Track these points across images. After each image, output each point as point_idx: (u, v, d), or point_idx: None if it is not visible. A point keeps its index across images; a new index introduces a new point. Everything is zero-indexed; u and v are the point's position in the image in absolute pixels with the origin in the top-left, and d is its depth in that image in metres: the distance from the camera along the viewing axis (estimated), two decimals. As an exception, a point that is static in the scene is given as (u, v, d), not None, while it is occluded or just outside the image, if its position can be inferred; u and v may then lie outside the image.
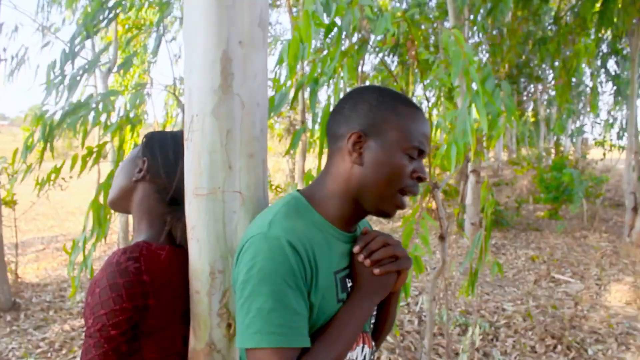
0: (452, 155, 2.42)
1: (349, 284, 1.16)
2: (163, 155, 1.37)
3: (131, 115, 3.40)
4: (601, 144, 12.92)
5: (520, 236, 8.53)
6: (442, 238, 3.22)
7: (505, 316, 4.75)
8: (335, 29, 2.51)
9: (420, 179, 1.15)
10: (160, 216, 1.34)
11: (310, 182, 1.23)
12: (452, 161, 2.44)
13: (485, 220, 3.44)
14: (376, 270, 1.13)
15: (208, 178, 1.21)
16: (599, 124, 14.61)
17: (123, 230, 7.19)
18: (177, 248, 1.30)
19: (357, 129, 1.13)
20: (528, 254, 7.28)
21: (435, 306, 3.69)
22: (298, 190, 1.20)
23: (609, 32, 7.49)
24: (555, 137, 18.19)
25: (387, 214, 1.16)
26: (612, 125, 14.17)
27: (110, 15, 3.89)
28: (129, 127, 3.47)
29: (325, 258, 1.09)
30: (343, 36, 2.72)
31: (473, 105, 2.41)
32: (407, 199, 1.18)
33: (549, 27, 8.32)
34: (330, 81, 2.73)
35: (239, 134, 1.22)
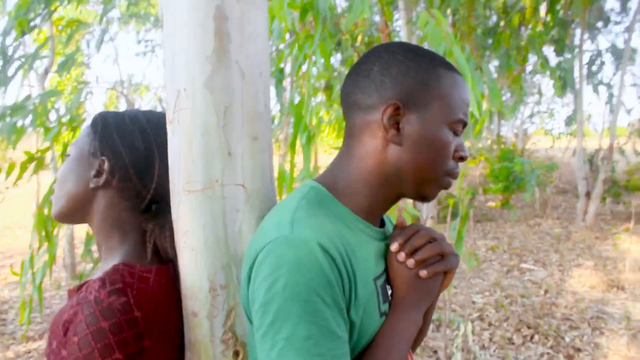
0: None
1: (389, 291, 0.93)
2: (129, 148, 1.07)
3: (71, 116, 3.08)
4: (549, 132, 13.17)
5: (476, 227, 8.52)
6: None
7: (476, 309, 4.64)
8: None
9: (462, 159, 0.94)
10: (136, 228, 1.06)
11: (326, 169, 0.98)
12: None
13: (461, 210, 3.31)
14: (423, 273, 0.90)
15: (203, 169, 0.96)
16: (545, 113, 14.92)
17: (69, 243, 6.58)
18: (165, 266, 1.04)
19: (395, 99, 0.89)
20: (487, 244, 7.25)
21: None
22: (314, 179, 0.95)
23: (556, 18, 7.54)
24: (497, 128, 18.49)
25: (428, 199, 0.94)
26: (551, 114, 14.51)
27: (45, 12, 3.52)
28: (70, 130, 3.15)
29: (362, 262, 0.86)
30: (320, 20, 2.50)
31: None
32: (451, 180, 0.95)
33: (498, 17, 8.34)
34: (302, 68, 2.50)
35: (240, 111, 0.97)
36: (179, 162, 0.98)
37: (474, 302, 4.84)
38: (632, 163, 9.48)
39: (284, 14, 1.89)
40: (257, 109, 0.99)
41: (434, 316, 4.41)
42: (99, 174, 1.06)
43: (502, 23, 7.15)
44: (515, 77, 6.43)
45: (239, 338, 0.99)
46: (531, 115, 15.86)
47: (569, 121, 12.17)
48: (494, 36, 6.90)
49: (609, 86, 11.73)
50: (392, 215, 2.51)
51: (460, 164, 1.04)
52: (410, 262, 0.90)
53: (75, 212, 1.08)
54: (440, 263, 0.92)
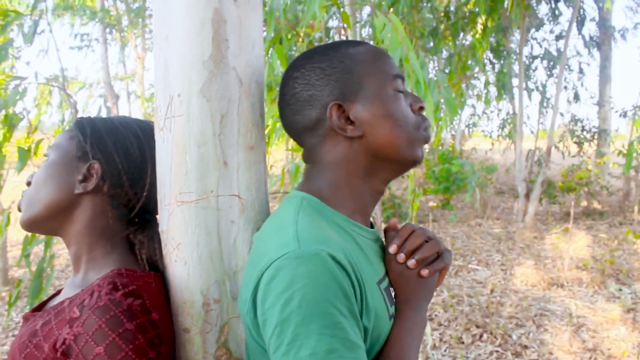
0: None
1: (393, 294, 0.93)
2: (123, 153, 1.01)
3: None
4: (486, 135, 13.57)
5: (419, 227, 8.66)
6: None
7: (425, 309, 4.72)
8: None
9: (422, 108, 0.96)
10: (124, 238, 1.00)
11: (303, 179, 0.96)
12: None
13: (412, 212, 3.35)
14: (425, 272, 0.91)
15: (197, 179, 0.92)
16: (487, 115, 15.37)
17: (0, 246, 6.15)
18: (159, 273, 0.99)
19: (331, 101, 0.90)
20: (431, 244, 7.38)
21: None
22: (297, 189, 0.93)
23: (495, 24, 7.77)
24: (436, 131, 18.84)
25: (419, 159, 0.95)
26: (487, 118, 14.96)
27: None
28: (6, 129, 2.99)
29: (366, 267, 0.86)
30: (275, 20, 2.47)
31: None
32: (428, 132, 0.97)
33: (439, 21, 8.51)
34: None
35: (237, 120, 0.93)
36: (171, 172, 0.93)
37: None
38: (566, 165, 9.88)
39: None
40: (253, 118, 0.96)
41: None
42: (86, 178, 0.99)
43: (442, 27, 7.31)
44: (456, 83, 6.58)
45: (233, 354, 0.96)
46: (473, 115, 16.31)
47: (504, 124, 12.62)
48: (436, 39, 7.04)
49: (542, 91, 12.24)
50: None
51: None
52: (412, 262, 0.90)
53: (51, 220, 1.00)
54: (439, 260, 0.94)
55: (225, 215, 0.93)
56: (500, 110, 13.69)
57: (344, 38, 2.80)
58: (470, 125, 16.84)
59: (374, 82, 0.91)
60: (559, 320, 4.43)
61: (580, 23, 10.79)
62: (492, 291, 5.19)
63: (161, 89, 0.94)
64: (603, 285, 5.34)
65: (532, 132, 12.13)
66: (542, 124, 12.70)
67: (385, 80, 0.92)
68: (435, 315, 4.55)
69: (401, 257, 0.91)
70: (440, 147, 13.86)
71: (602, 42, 11.76)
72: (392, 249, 0.92)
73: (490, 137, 13.66)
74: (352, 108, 0.90)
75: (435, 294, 5.13)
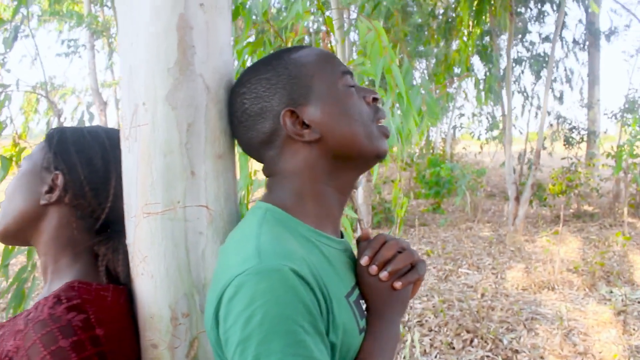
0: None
1: (364, 306, 0.90)
2: (86, 163, 0.99)
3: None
4: (474, 137, 13.60)
5: (410, 232, 8.64)
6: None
7: (416, 314, 4.69)
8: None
9: (376, 99, 0.94)
10: (88, 249, 0.98)
11: (267, 191, 0.93)
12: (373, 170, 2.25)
13: (397, 218, 3.33)
14: (398, 284, 0.88)
15: (163, 190, 0.89)
16: (476, 117, 15.41)
17: None
18: (125, 287, 0.96)
19: (283, 109, 0.87)
20: (422, 249, 7.36)
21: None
22: (262, 201, 0.90)
23: (482, 28, 7.79)
24: (426, 134, 18.91)
25: (382, 153, 0.92)
26: (478, 122, 14.99)
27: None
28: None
29: (333, 280, 0.82)
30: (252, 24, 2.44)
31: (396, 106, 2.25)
32: (385, 126, 0.95)
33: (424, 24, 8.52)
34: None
35: (204, 129, 0.91)
36: (137, 182, 0.90)
37: (411, 308, 4.89)
38: (556, 167, 9.90)
39: None
40: (221, 126, 0.93)
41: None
42: (51, 189, 0.98)
43: (428, 29, 7.34)
44: (442, 86, 6.59)
45: (203, 370, 0.93)
46: (461, 116, 16.36)
47: (491, 127, 12.65)
48: (425, 42, 7.06)
49: (526, 94, 12.27)
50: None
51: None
52: (384, 274, 0.87)
53: (22, 231, 1.00)
54: (412, 272, 0.91)
55: (192, 227, 0.90)
56: (487, 112, 13.74)
57: (326, 44, 2.79)
58: (459, 127, 16.87)
59: (323, 81, 0.89)
60: (550, 323, 4.41)
61: (564, 26, 10.84)
62: (482, 295, 5.17)
63: (126, 98, 0.91)
64: (594, 287, 5.34)
65: (520, 132, 12.18)
66: (531, 127, 12.75)
67: (333, 78, 0.90)
68: (426, 321, 4.52)
69: (373, 269, 0.88)
70: (431, 151, 13.90)
71: (590, 44, 11.82)
72: (364, 260, 0.89)
73: (479, 139, 13.68)
74: (305, 111, 0.87)
75: (425, 299, 5.12)
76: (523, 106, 12.48)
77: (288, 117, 0.87)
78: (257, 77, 0.90)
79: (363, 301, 0.90)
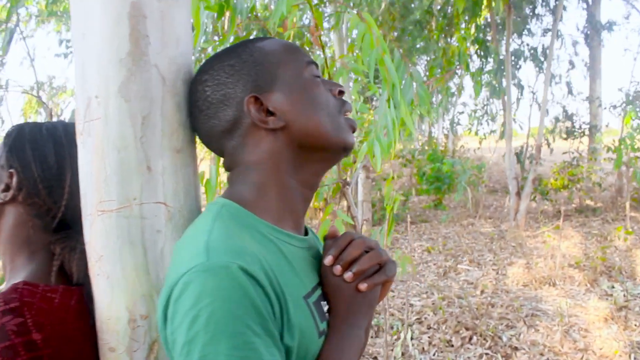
0: (376, 153, 2.19)
1: (325, 308, 0.85)
2: (40, 161, 0.96)
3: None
4: (474, 133, 13.56)
5: (411, 228, 8.60)
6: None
7: (415, 312, 4.65)
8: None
9: (341, 92, 0.91)
10: (45, 247, 0.95)
11: (228, 185, 0.89)
12: (377, 160, 2.21)
13: (388, 216, 3.28)
14: (363, 286, 0.83)
15: (118, 186, 0.85)
16: (475, 112, 15.35)
17: None
18: (75, 288, 0.92)
19: (247, 95, 0.84)
20: (423, 245, 7.32)
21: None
22: (221, 197, 0.86)
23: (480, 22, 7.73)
24: (428, 130, 18.86)
25: (348, 145, 0.88)
26: (479, 119, 14.92)
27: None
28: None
29: (291, 278, 0.78)
30: (238, 20, 2.40)
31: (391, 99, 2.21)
32: (352, 119, 0.91)
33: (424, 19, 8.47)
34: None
35: (160, 121, 0.87)
36: (91, 179, 0.87)
37: (412, 305, 4.85)
38: (558, 162, 9.84)
39: (197, 21, 1.76)
40: (179, 119, 0.89)
41: (373, 321, 4.39)
42: (6, 188, 0.96)
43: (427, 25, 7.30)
44: (440, 79, 6.53)
45: (163, 373, 0.89)
46: (460, 112, 16.33)
47: (487, 121, 12.61)
48: (423, 37, 7.01)
49: (520, 86, 12.18)
50: (324, 223, 2.44)
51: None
52: (348, 275, 0.83)
53: None
54: (380, 273, 0.86)
55: (150, 225, 0.86)
56: (485, 105, 13.68)
57: (315, 38, 2.74)
58: (456, 123, 16.83)
59: (289, 69, 0.86)
60: (550, 320, 4.36)
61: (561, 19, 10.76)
62: (482, 292, 5.13)
63: (80, 91, 0.88)
64: (595, 283, 5.29)
65: (521, 127, 12.12)
66: (532, 121, 12.69)
67: (299, 67, 0.87)
68: (425, 318, 4.48)
69: (337, 269, 0.83)
70: (433, 147, 13.83)
71: (591, 37, 11.74)
72: (328, 260, 0.84)
73: (477, 134, 13.61)
74: (270, 98, 0.84)
75: (425, 296, 5.07)
76: (518, 99, 12.42)
77: (252, 104, 0.83)
78: (220, 64, 0.86)
79: (325, 302, 0.85)
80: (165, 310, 0.70)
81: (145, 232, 0.86)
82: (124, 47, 0.83)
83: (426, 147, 13.29)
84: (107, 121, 0.84)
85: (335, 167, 3.09)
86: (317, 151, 0.86)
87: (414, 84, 2.39)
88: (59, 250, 0.94)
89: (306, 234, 0.93)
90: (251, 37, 0.93)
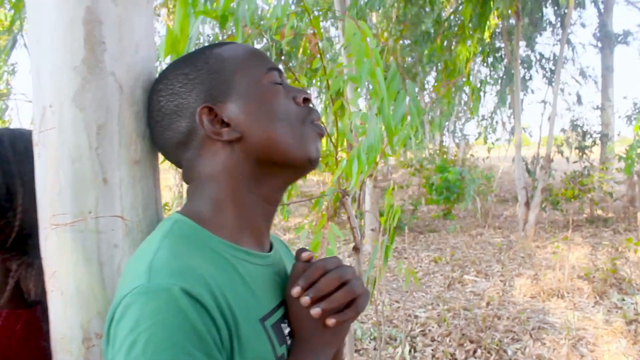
0: (353, 171, 2.14)
1: (287, 330, 0.80)
2: None
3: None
4: (484, 142, 13.46)
5: (419, 238, 8.53)
6: (356, 249, 2.94)
7: (419, 324, 4.58)
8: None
9: (306, 100, 0.85)
10: (1, 266, 0.91)
11: (186, 200, 0.85)
12: (353, 177, 2.15)
13: (388, 227, 3.22)
14: (331, 322, 0.76)
15: (72, 199, 0.81)
16: (485, 120, 15.29)
17: None
18: (23, 311, 0.88)
19: (200, 106, 0.79)
20: (430, 255, 7.24)
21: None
22: (178, 212, 0.82)
23: (486, 34, 7.67)
24: (439, 139, 18.77)
25: (313, 156, 0.82)
26: (486, 128, 14.84)
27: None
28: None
29: (246, 301, 0.73)
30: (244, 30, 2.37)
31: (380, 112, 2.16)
32: (319, 125, 0.86)
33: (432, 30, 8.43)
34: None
35: (117, 131, 0.83)
36: (45, 191, 0.83)
37: (416, 317, 4.78)
38: (569, 171, 9.73)
39: (186, 29, 1.70)
40: (138, 129, 0.85)
41: (375, 333, 4.32)
42: None
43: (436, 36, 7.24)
44: (446, 92, 6.47)
45: (120, 395, 0.85)
46: (466, 121, 16.27)
47: (493, 129, 12.51)
48: (429, 48, 6.96)
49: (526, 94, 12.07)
50: (317, 235, 2.39)
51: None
52: (315, 312, 0.76)
53: None
54: (350, 309, 0.78)
55: (106, 239, 0.83)
56: (491, 114, 13.60)
57: (313, 45, 2.71)
58: (460, 134, 16.76)
59: (246, 77, 0.81)
60: (557, 333, 4.28)
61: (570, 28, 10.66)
62: (488, 304, 5.04)
63: (35, 100, 0.84)
64: (605, 295, 5.18)
65: (530, 135, 12.02)
66: (543, 131, 12.59)
67: (258, 74, 0.82)
68: (429, 330, 4.41)
69: (305, 300, 0.77)
70: (444, 157, 13.74)
71: (603, 46, 11.63)
72: (295, 291, 0.77)
73: (486, 142, 13.51)
74: (225, 108, 0.79)
75: (430, 307, 5.00)
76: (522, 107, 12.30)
77: (205, 115, 0.79)
78: (174, 73, 0.82)
79: (285, 324, 0.80)
80: (108, 333, 0.67)
81: (101, 247, 0.82)
82: (78, 54, 0.80)
83: (436, 156, 13.19)
84: (61, 131, 0.81)
85: (332, 176, 3.05)
86: (277, 164, 0.81)
87: (407, 98, 2.34)
88: (15, 267, 0.91)
89: (270, 249, 0.88)
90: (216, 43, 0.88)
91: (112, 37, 0.82)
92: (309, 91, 0.88)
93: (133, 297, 0.63)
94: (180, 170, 0.86)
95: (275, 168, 0.81)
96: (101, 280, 0.83)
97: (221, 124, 0.79)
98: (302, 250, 0.83)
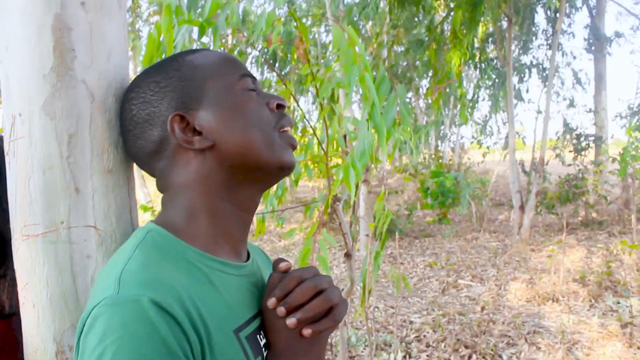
0: (350, 179, 2.13)
1: (263, 342, 0.78)
2: None
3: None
4: (479, 146, 13.49)
5: (414, 243, 8.51)
6: (348, 256, 2.92)
7: (414, 329, 4.56)
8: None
9: (280, 105, 0.85)
10: None
11: (161, 209, 0.83)
12: (351, 186, 2.14)
13: (379, 233, 3.20)
14: (307, 332, 0.75)
15: (43, 209, 0.80)
16: (479, 124, 15.32)
17: None
18: (4, 321, 0.87)
19: (170, 114, 0.78)
20: (425, 260, 7.22)
21: (345, 329, 3.38)
22: (152, 221, 0.80)
23: (476, 39, 7.69)
24: (434, 144, 18.79)
25: (287, 164, 0.81)
26: (481, 132, 14.87)
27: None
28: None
29: (220, 312, 0.72)
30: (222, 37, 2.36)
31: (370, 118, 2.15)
32: (290, 135, 0.84)
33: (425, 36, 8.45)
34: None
35: (89, 140, 0.82)
36: (16, 202, 0.82)
37: (411, 322, 4.75)
38: (563, 174, 9.74)
39: (170, 37, 1.69)
40: (110, 137, 0.84)
41: (371, 339, 4.30)
42: None
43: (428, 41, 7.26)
44: (436, 99, 6.47)
45: (94, 409, 0.83)
46: (459, 125, 16.32)
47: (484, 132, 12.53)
48: (421, 54, 6.98)
49: (518, 98, 12.13)
50: (308, 241, 2.37)
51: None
52: (291, 322, 0.75)
53: None
54: (328, 319, 0.77)
55: (79, 250, 0.81)
56: (485, 118, 13.64)
57: (301, 51, 2.70)
58: (454, 135, 16.80)
59: (218, 83, 0.79)
60: (552, 337, 4.26)
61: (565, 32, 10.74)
62: (483, 308, 5.02)
63: (5, 109, 0.83)
64: (600, 298, 5.17)
65: (523, 141, 12.05)
66: (537, 134, 12.62)
67: (230, 81, 0.80)
68: (424, 336, 4.38)
69: (281, 311, 0.76)
70: (439, 161, 13.76)
71: (596, 49, 11.67)
72: (270, 302, 0.76)
73: (480, 146, 13.52)
74: (196, 116, 0.78)
75: (425, 312, 4.98)
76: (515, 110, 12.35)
77: (177, 123, 0.77)
78: (146, 81, 0.81)
79: (261, 335, 0.79)
80: (77, 344, 0.65)
81: (74, 258, 0.81)
82: (47, 62, 0.79)
83: (430, 161, 13.20)
84: (32, 140, 0.79)
85: (325, 182, 3.04)
86: (251, 172, 0.80)
87: (398, 100, 2.33)
88: None
89: (247, 259, 0.87)
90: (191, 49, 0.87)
91: (82, 45, 0.81)
92: (283, 97, 0.87)
93: (101, 309, 0.62)
94: (154, 179, 0.85)
95: (249, 175, 0.80)
96: (74, 292, 0.81)
97: (193, 132, 0.78)
98: (280, 260, 0.82)
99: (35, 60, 0.79)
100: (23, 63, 0.79)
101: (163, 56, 1.61)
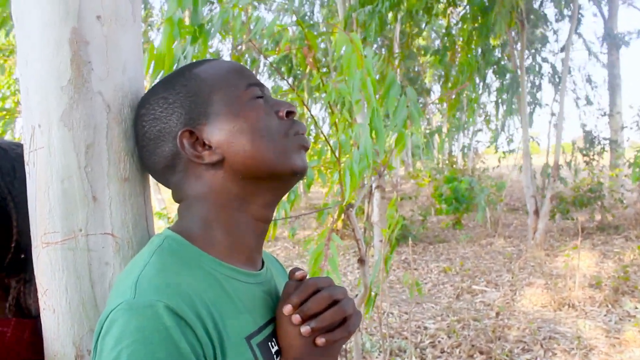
0: (346, 182, 2.14)
1: (274, 349, 0.79)
2: None
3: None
4: (494, 151, 13.42)
5: (428, 249, 8.48)
6: (361, 261, 2.93)
7: (428, 335, 4.55)
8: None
9: (291, 113, 0.85)
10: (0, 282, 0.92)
11: (177, 217, 0.85)
12: (347, 188, 2.15)
13: (391, 238, 3.21)
14: (321, 341, 0.76)
15: (62, 218, 0.82)
16: (492, 129, 15.26)
17: None
18: (29, 320, 0.89)
19: (180, 130, 0.79)
20: (440, 266, 7.20)
21: (360, 335, 3.39)
22: (169, 228, 0.82)
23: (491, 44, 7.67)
24: (448, 149, 18.74)
25: (299, 169, 0.82)
26: (496, 137, 14.78)
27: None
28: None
29: (233, 319, 0.73)
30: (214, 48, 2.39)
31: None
32: (303, 137, 0.85)
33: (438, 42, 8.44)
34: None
35: (106, 150, 0.84)
36: (36, 210, 0.84)
37: (426, 328, 4.74)
38: (578, 179, 9.67)
39: (171, 51, 1.70)
40: (127, 147, 0.86)
41: (385, 345, 4.29)
42: None
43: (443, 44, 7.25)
44: (452, 104, 6.45)
45: (112, 413, 0.85)
46: (477, 131, 16.24)
47: (495, 138, 12.44)
48: (434, 58, 6.97)
49: (535, 103, 12.04)
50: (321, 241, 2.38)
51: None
52: (306, 330, 0.76)
53: None
54: (341, 329, 0.78)
55: (97, 257, 0.83)
56: (497, 123, 13.56)
57: (309, 59, 2.72)
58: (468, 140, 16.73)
59: (224, 96, 0.80)
60: (568, 343, 4.23)
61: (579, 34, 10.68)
62: (498, 314, 5.00)
63: (25, 120, 0.85)
64: (617, 303, 5.12)
65: (538, 144, 11.97)
66: (552, 139, 12.54)
67: (237, 91, 0.81)
68: (439, 342, 4.38)
69: (296, 318, 0.76)
70: (453, 166, 13.72)
71: (609, 51, 11.60)
72: (287, 309, 0.77)
73: (497, 150, 13.43)
74: (205, 131, 0.79)
75: (440, 318, 4.96)
76: (531, 114, 12.29)
77: (186, 139, 0.79)
78: (155, 97, 0.82)
79: (273, 343, 0.79)
80: (95, 347, 0.67)
81: (92, 265, 0.83)
82: (65, 74, 0.81)
83: (444, 166, 13.15)
84: (50, 150, 0.82)
85: (338, 188, 3.05)
86: (264, 181, 0.81)
87: (409, 103, 2.34)
88: (14, 284, 0.92)
89: (262, 267, 0.88)
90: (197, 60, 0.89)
91: (98, 57, 0.83)
92: (294, 104, 0.88)
93: (118, 313, 0.64)
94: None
95: (261, 184, 0.81)
96: (93, 298, 0.83)
97: (203, 147, 0.79)
98: (296, 269, 0.83)
99: (53, 73, 0.81)
100: (42, 76, 0.82)
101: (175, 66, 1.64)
